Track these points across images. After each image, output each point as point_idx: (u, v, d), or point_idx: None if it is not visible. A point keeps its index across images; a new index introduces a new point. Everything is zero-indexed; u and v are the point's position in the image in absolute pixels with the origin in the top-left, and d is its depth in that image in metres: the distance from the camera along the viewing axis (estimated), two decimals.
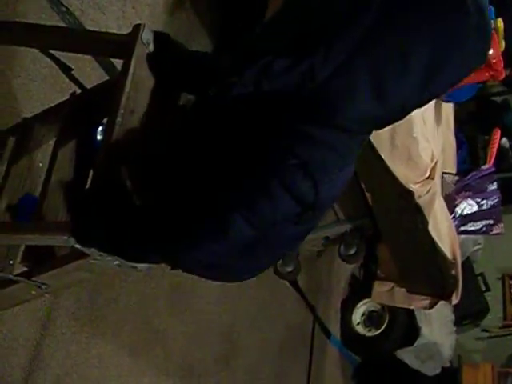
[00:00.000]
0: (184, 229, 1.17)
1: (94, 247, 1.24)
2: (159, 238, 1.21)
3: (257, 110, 1.07)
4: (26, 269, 1.58)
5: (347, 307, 4.56)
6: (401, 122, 2.19)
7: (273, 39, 1.11)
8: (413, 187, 2.39)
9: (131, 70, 1.28)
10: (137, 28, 1.32)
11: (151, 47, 1.34)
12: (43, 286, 1.53)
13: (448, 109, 3.22)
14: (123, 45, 1.32)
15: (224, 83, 1.10)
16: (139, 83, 1.30)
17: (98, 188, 1.22)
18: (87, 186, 1.23)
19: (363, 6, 0.94)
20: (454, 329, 4.66)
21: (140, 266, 1.30)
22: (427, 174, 2.41)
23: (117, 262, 1.30)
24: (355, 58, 0.96)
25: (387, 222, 2.75)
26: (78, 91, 1.68)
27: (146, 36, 1.33)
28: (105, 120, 1.61)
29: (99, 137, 1.54)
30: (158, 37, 1.36)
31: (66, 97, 1.79)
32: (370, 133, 1.22)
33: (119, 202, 1.23)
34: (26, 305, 2.01)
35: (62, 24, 2.32)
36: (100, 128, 1.57)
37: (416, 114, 2.36)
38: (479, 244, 4.28)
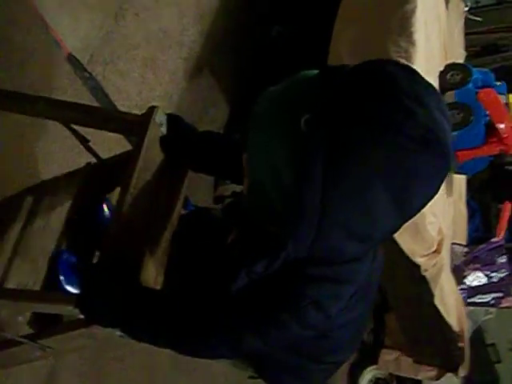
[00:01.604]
0: (199, 330, 1.22)
1: (97, 322, 1.28)
2: (172, 330, 1.25)
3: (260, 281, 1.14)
4: (32, 331, 1.63)
5: (355, 373, 4.50)
6: None
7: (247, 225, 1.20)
8: (419, 260, 2.41)
9: (143, 150, 1.35)
10: (151, 110, 1.40)
11: (164, 128, 1.42)
12: (47, 349, 1.57)
13: (460, 179, 3.26)
14: (137, 125, 1.40)
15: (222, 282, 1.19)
16: (150, 162, 1.37)
17: (104, 265, 1.27)
18: (95, 260, 1.28)
19: (306, 187, 0.96)
20: None
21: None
22: (434, 248, 2.44)
23: (119, 333, 1.34)
24: (323, 229, 0.98)
25: (394, 293, 2.77)
26: (94, 160, 1.76)
27: (160, 118, 1.40)
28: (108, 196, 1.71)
29: (106, 211, 1.61)
30: (171, 119, 1.44)
31: (85, 160, 1.87)
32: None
33: (126, 280, 1.28)
34: None
35: (84, 88, 2.43)
36: (104, 206, 1.66)
37: None
38: (490, 313, 4.24)
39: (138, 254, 1.32)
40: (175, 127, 1.43)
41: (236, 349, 1.21)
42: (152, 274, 1.35)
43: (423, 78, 1.03)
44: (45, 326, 1.61)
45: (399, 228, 1.05)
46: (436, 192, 1.03)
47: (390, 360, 3.37)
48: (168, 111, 1.45)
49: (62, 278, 1.57)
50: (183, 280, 1.48)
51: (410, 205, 1.00)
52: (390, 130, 0.94)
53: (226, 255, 1.26)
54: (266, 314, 1.14)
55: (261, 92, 1.10)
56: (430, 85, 1.03)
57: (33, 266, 1.81)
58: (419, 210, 1.04)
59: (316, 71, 1.06)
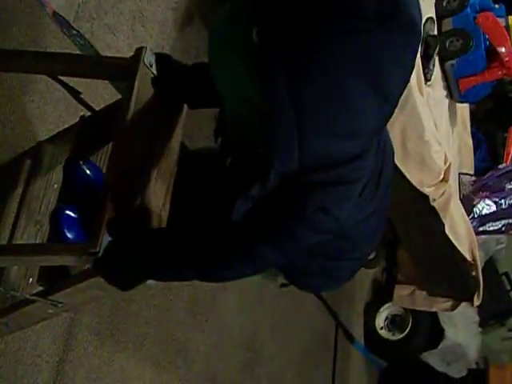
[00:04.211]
0: (216, 254, 1.23)
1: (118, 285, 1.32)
2: (194, 258, 1.26)
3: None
4: (42, 288, 1.63)
5: (370, 312, 4.54)
6: (412, 127, 2.24)
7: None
8: (427, 190, 2.38)
9: (135, 92, 1.31)
10: (139, 51, 1.36)
11: (154, 68, 1.38)
12: (59, 305, 1.56)
13: (463, 109, 3.20)
14: (126, 68, 1.36)
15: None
16: (143, 104, 1.34)
17: (113, 228, 1.26)
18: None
19: (274, 100, 0.92)
20: (480, 330, 4.62)
21: (148, 282, 1.34)
22: (441, 177, 2.40)
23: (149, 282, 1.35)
24: (304, 137, 0.94)
25: (404, 227, 2.74)
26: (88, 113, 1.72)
27: (148, 58, 1.36)
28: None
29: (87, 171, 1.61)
30: (160, 58, 1.39)
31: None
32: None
33: (137, 235, 1.30)
34: (48, 322, 2.06)
35: (73, 46, 2.37)
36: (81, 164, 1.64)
37: (427, 118, 2.38)
38: (502, 243, 4.23)
39: (139, 198, 1.30)
40: (166, 66, 1.39)
41: (256, 266, 1.21)
42: (156, 211, 1.35)
43: None
44: (54, 282, 1.60)
45: (390, 114, 1.00)
46: (411, 68, 0.97)
47: (405, 295, 3.37)
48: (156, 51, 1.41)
49: (65, 232, 1.56)
50: (191, 209, 1.47)
51: (387, 88, 0.94)
52: (338, 16, 0.88)
53: (226, 178, 1.25)
54: (277, 228, 1.13)
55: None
56: None
57: (37, 227, 1.81)
58: (402, 91, 0.98)
59: None
